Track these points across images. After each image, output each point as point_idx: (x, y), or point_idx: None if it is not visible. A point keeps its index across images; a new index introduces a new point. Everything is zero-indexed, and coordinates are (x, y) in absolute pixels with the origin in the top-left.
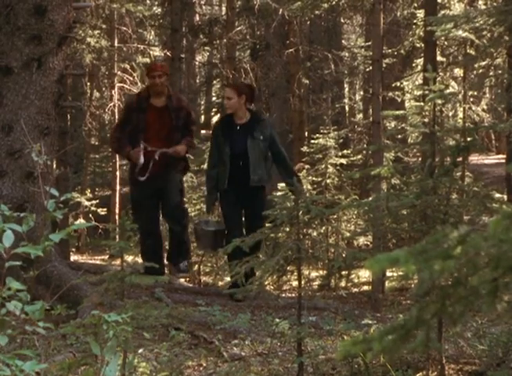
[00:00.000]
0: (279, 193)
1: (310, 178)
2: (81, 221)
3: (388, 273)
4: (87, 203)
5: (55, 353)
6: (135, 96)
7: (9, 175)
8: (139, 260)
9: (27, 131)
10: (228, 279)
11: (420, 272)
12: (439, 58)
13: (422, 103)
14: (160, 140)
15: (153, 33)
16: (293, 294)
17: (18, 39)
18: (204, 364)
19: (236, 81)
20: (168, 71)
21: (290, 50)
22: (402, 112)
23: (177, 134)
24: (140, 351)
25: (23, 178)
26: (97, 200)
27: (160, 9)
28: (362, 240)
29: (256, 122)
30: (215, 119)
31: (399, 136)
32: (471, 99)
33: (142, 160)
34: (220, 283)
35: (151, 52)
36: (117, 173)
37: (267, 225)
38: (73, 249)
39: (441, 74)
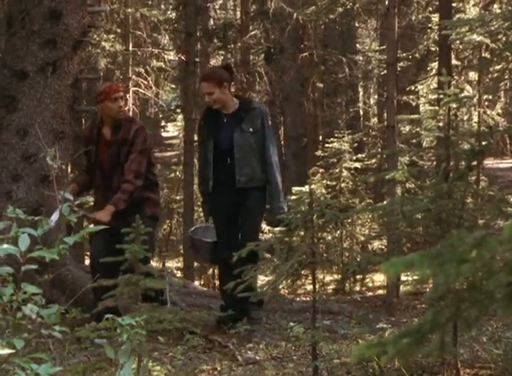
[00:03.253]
0: (292, 197)
1: (324, 182)
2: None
3: (403, 277)
4: None
5: (70, 357)
6: (88, 124)
7: (24, 178)
8: (154, 264)
9: (42, 136)
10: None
11: (435, 277)
12: (454, 62)
13: (437, 107)
14: (114, 174)
15: (167, 37)
16: (308, 298)
17: (33, 43)
18: (219, 368)
19: (208, 69)
20: None
21: (305, 54)
22: (416, 116)
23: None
24: (155, 355)
25: (37, 182)
26: None
27: (174, 14)
28: (376, 244)
29: (244, 111)
30: None
31: (414, 140)
32: (486, 103)
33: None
34: None
35: (165, 56)
36: None
37: (280, 229)
38: (88, 253)
39: (455, 77)
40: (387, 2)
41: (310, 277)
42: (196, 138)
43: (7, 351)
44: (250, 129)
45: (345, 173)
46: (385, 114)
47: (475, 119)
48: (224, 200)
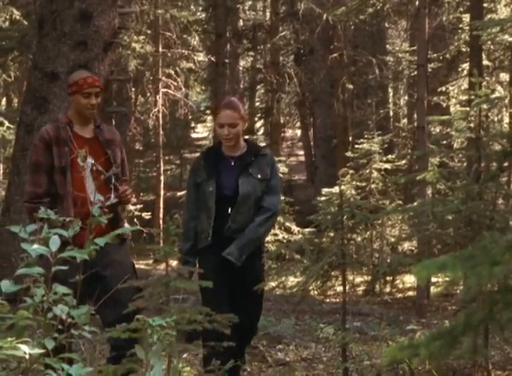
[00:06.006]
0: (322, 199)
1: (354, 183)
2: (125, 225)
3: (433, 279)
4: (131, 207)
5: (101, 357)
6: (50, 126)
7: None
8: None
9: None
10: (272, 284)
11: (467, 279)
12: (485, 62)
13: (467, 108)
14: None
15: (197, 38)
16: (338, 300)
17: (64, 45)
18: (249, 369)
19: (231, 98)
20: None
21: (334, 55)
22: (447, 117)
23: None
24: (185, 356)
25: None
26: (141, 205)
27: (204, 15)
28: (406, 246)
29: (254, 155)
30: (259, 125)
31: (444, 141)
32: None
33: None
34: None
35: (195, 58)
36: (161, 178)
37: (309, 230)
38: None
39: (487, 78)
40: (417, 3)
41: (340, 278)
42: None
43: (38, 351)
44: (259, 176)
45: (375, 174)
46: (415, 115)
47: (506, 120)
48: (222, 257)
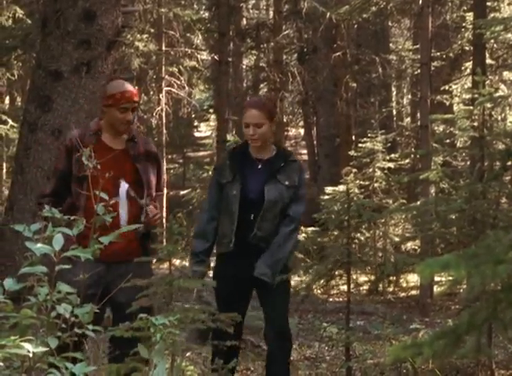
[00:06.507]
0: (326, 197)
1: (357, 182)
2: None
3: (437, 278)
4: None
5: (104, 356)
6: (76, 131)
7: None
8: (187, 264)
9: None
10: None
11: (471, 278)
12: (488, 61)
13: (471, 107)
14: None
15: (200, 37)
16: (341, 299)
17: (67, 44)
18: (252, 368)
19: (258, 97)
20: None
21: (338, 54)
22: (450, 116)
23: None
24: (188, 354)
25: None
26: None
27: (207, 13)
28: (409, 245)
29: (284, 160)
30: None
31: (448, 140)
32: None
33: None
34: None
35: (198, 56)
36: (164, 177)
37: (313, 229)
38: None
39: (490, 77)
40: (420, 1)
41: (343, 278)
42: (229, 137)
43: (41, 350)
44: (286, 182)
45: (378, 173)
46: (419, 114)
47: (510, 119)
48: (245, 263)
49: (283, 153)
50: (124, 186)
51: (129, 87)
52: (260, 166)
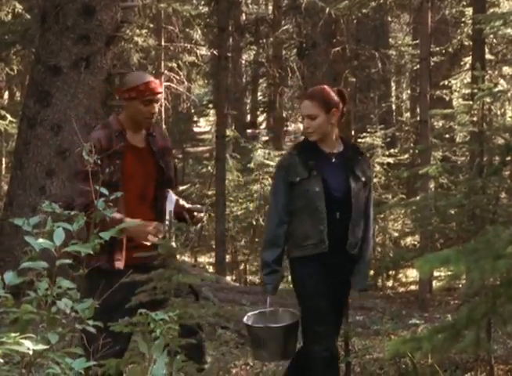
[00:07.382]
0: None
1: None
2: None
3: (436, 273)
4: None
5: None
6: (101, 133)
7: (58, 174)
8: (186, 258)
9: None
10: None
11: (470, 272)
12: (488, 56)
13: (470, 102)
14: (145, 203)
15: (199, 32)
16: None
17: (67, 39)
18: (251, 363)
19: (316, 87)
20: None
21: (337, 49)
22: (449, 111)
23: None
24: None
25: (71, 177)
26: None
27: (206, 8)
28: (408, 240)
29: (356, 154)
30: (261, 119)
31: (447, 135)
32: None
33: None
34: None
35: (198, 51)
36: None
37: None
38: None
39: (489, 72)
40: None
41: None
42: (228, 132)
43: (42, 347)
44: (363, 179)
45: (378, 168)
46: (418, 109)
47: (509, 114)
48: (329, 268)
49: (352, 146)
50: (171, 198)
51: (152, 78)
52: (334, 160)
